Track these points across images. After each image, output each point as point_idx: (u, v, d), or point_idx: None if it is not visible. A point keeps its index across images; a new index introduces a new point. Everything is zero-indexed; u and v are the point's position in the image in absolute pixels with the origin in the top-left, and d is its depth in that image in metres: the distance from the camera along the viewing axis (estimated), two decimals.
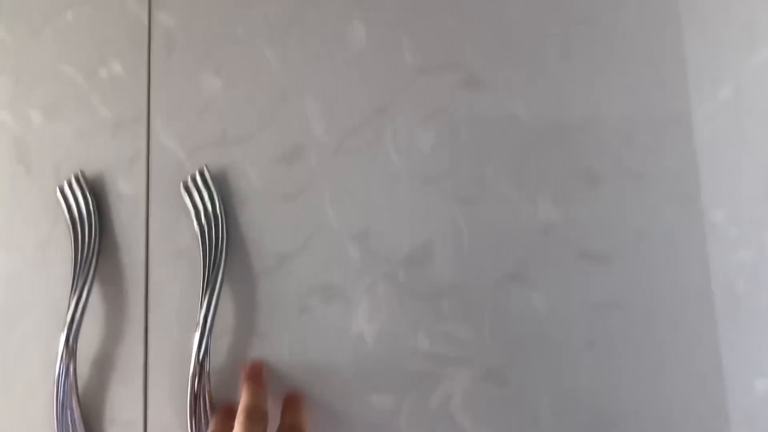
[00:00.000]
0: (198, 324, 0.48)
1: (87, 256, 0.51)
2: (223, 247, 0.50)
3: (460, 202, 0.53)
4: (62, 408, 0.50)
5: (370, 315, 0.51)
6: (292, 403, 0.48)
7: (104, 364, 0.52)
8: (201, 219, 0.51)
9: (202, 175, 0.51)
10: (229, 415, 0.48)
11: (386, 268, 0.52)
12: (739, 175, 0.53)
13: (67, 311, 0.50)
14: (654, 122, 0.54)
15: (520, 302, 0.52)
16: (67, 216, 0.52)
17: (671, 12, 0.54)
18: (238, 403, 0.47)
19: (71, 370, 0.50)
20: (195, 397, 0.48)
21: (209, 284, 0.49)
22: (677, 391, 0.51)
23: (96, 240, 0.52)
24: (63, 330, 0.50)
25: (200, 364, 0.48)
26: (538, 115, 0.54)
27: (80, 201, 0.52)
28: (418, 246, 0.52)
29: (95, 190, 0.53)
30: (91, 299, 0.52)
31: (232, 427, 0.46)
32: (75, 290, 0.51)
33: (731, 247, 0.53)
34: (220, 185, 0.52)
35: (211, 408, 0.49)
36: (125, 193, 0.53)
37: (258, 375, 0.48)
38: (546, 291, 0.52)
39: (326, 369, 0.51)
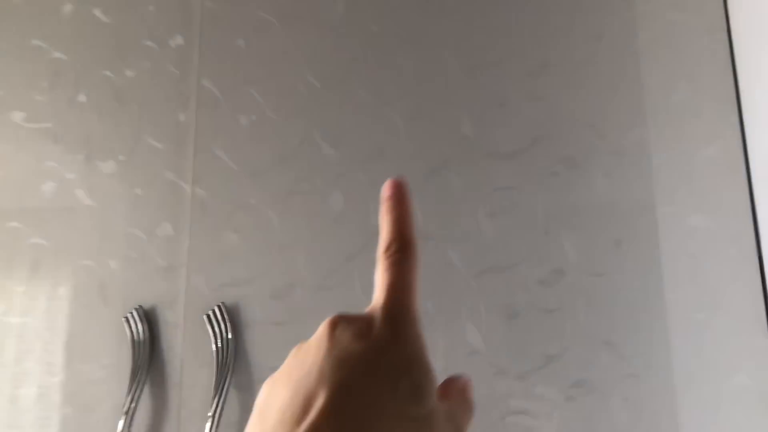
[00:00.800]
0: (208, 417, 0.67)
1: (141, 366, 0.72)
2: (232, 362, 0.70)
3: None
4: None
5: None
6: (395, 196, 0.35)
7: None
8: (218, 341, 0.71)
9: (220, 308, 0.72)
10: None
11: None
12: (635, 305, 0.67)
13: (124, 405, 0.70)
14: (563, 270, 0.69)
15: None
16: (129, 337, 0.73)
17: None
18: None
19: None
20: None
21: (219, 389, 0.68)
22: None
23: (148, 355, 0.73)
24: (121, 418, 0.70)
25: None
26: (469, 262, 0.70)
27: (139, 327, 0.73)
28: None
29: (149, 319, 0.74)
30: (142, 397, 0.72)
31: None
32: (131, 390, 0.71)
33: (624, 368, 0.66)
34: (232, 315, 0.72)
35: None
36: (169, 321, 0.74)
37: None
38: None
39: None
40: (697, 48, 0.73)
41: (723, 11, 0.73)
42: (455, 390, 0.33)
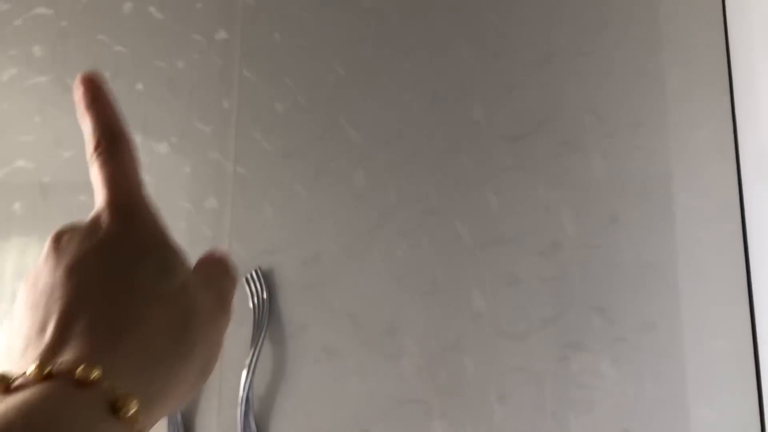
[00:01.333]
0: (245, 366, 0.78)
1: None
2: (266, 319, 0.80)
3: (420, 294, 0.78)
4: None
5: (357, 367, 0.78)
6: (90, 91, 0.32)
7: None
8: (254, 299, 0.81)
9: (257, 272, 0.82)
10: None
11: (369, 336, 0.78)
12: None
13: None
14: (561, 243, 0.76)
15: (455, 364, 0.76)
16: None
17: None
18: None
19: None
20: (245, 402, 0.77)
21: (255, 342, 0.79)
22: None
23: None
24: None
25: (247, 390, 0.77)
26: (476, 235, 0.78)
27: None
28: (391, 323, 0.78)
29: None
30: None
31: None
32: None
33: (607, 339, 0.74)
34: (267, 279, 0.82)
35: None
36: None
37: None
38: (473, 357, 0.76)
39: (327, 397, 0.78)
40: (694, 37, 0.78)
41: (720, 1, 0.78)
42: (211, 260, 0.34)
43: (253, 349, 0.79)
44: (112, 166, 0.31)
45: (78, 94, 0.32)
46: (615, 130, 0.78)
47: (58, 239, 0.29)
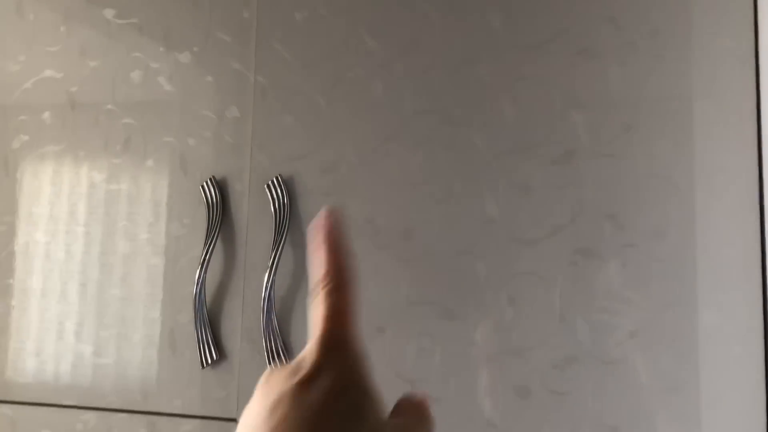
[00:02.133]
0: (267, 267, 0.82)
1: (214, 226, 0.87)
2: (287, 223, 0.83)
3: (435, 201, 0.81)
4: (199, 307, 0.85)
5: (373, 269, 0.81)
6: (328, 225, 0.35)
7: (221, 288, 0.88)
8: (276, 205, 0.84)
9: (278, 179, 0.84)
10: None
11: (385, 240, 0.81)
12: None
13: (201, 257, 0.86)
14: (576, 151, 0.77)
15: (468, 268, 0.79)
16: (205, 202, 0.88)
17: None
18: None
19: (203, 291, 0.86)
20: (267, 301, 0.82)
21: (277, 244, 0.82)
22: (574, 334, 0.75)
23: (220, 216, 0.87)
24: (198, 268, 0.86)
25: (269, 290, 0.81)
26: (491, 144, 0.80)
27: (212, 193, 0.87)
28: (406, 228, 0.81)
29: (221, 187, 0.88)
30: (215, 251, 0.87)
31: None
32: (206, 246, 0.86)
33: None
34: (288, 186, 0.85)
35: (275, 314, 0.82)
36: (237, 189, 0.87)
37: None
38: (485, 262, 0.78)
39: None
40: None
41: None
42: (410, 406, 0.34)
43: (274, 253, 0.82)
44: (331, 303, 0.33)
45: (318, 223, 0.35)
46: (633, 38, 0.77)
47: (267, 377, 0.32)
